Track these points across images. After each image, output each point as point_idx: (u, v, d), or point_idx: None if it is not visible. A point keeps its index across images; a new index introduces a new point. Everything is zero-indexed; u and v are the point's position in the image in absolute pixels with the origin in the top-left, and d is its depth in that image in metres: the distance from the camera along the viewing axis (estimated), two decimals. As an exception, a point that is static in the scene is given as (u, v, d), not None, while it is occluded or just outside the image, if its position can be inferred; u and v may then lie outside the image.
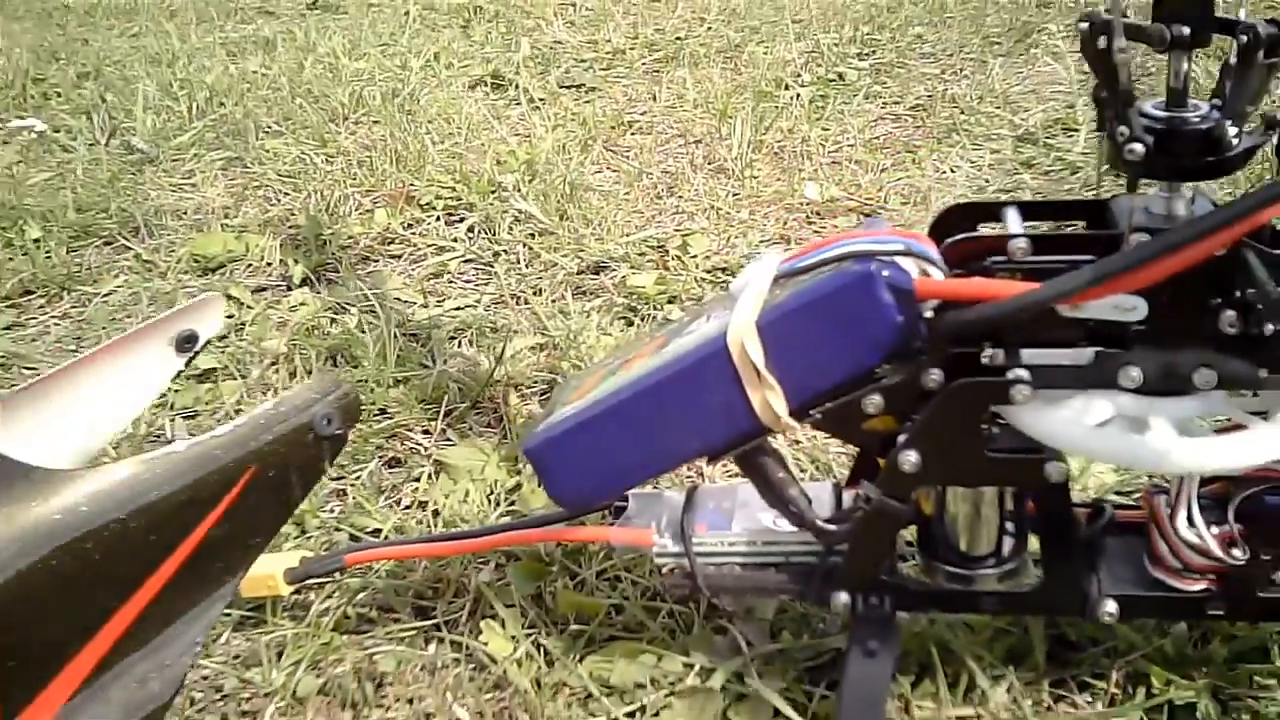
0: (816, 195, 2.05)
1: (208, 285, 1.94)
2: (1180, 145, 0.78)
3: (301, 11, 4.21)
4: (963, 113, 2.49)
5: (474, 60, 3.20)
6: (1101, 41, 0.78)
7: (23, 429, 0.89)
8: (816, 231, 1.98)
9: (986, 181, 2.13)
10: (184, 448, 0.84)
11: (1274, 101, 0.85)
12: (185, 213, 2.26)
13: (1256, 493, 0.87)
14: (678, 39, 3.26)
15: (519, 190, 2.14)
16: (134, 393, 1.00)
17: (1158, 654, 0.97)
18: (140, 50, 3.64)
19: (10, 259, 2.06)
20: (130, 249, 2.09)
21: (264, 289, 1.93)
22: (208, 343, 1.06)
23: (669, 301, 1.71)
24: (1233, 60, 0.79)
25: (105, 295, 1.92)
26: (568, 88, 2.93)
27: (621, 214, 2.06)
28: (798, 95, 2.65)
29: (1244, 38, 0.77)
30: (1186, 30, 0.77)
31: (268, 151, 2.54)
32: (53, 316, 1.89)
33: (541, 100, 2.81)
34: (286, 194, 2.30)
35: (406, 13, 3.81)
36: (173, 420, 1.49)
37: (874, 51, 2.98)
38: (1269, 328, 0.75)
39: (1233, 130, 0.78)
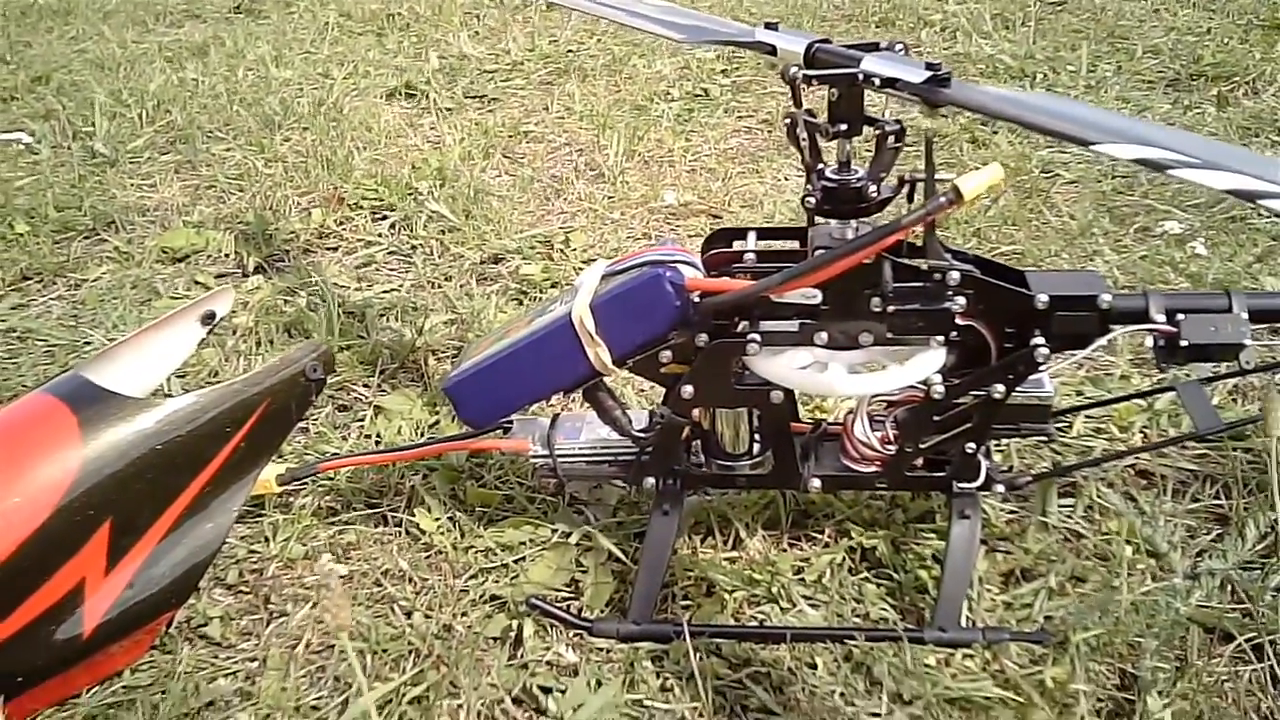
0: (674, 200, 2.55)
1: (177, 273, 2.38)
2: (840, 197, 1.28)
3: (226, 15, 4.58)
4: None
5: (389, 70, 3.64)
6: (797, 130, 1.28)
7: (114, 374, 1.35)
8: (673, 230, 2.48)
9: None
10: (224, 385, 1.32)
11: (912, 167, 1.34)
12: (149, 210, 2.68)
13: (905, 409, 1.39)
14: (570, 52, 3.73)
15: (432, 194, 2.60)
16: (177, 349, 1.45)
17: (858, 516, 1.50)
18: (83, 54, 4.00)
19: (6, 250, 2.47)
20: (108, 241, 2.52)
21: (224, 275, 2.38)
22: (222, 319, 1.52)
23: (552, 286, 2.20)
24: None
25: (93, 281, 2.35)
26: (472, 98, 3.39)
27: (516, 214, 2.54)
28: (668, 109, 3.15)
29: (879, 130, 1.27)
30: (845, 126, 1.27)
31: (214, 155, 2.97)
32: (50, 299, 2.31)
33: (449, 110, 3.28)
34: (235, 194, 2.74)
35: (326, 22, 4.22)
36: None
37: (737, 68, 3.48)
38: (890, 309, 1.27)
39: (873, 188, 1.28)
